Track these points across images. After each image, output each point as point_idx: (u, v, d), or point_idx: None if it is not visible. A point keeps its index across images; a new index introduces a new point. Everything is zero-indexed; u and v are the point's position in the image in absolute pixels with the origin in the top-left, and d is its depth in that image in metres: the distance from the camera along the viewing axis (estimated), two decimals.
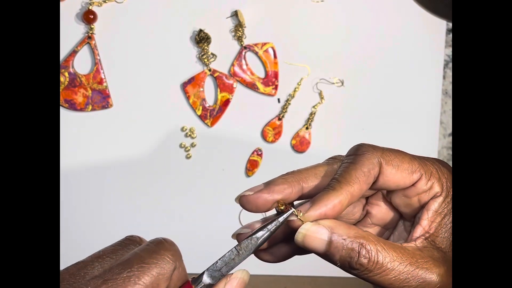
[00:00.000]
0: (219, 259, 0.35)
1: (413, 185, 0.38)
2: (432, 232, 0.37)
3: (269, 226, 0.36)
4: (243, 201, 0.37)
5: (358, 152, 0.37)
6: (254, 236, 0.36)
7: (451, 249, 0.37)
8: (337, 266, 0.36)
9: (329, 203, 0.35)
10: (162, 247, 0.32)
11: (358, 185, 0.36)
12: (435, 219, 0.37)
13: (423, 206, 0.38)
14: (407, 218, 0.40)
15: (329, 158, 0.40)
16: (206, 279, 0.35)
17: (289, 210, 0.36)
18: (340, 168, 0.37)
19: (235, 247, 0.35)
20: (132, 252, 0.32)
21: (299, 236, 0.35)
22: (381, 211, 0.41)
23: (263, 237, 0.36)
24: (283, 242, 0.39)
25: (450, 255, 0.37)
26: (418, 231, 0.37)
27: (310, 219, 0.35)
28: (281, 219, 0.36)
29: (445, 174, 0.38)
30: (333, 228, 0.35)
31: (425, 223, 0.37)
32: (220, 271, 0.35)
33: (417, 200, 0.38)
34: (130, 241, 0.34)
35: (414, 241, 0.37)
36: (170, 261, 0.32)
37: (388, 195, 0.41)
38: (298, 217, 0.36)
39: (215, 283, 0.35)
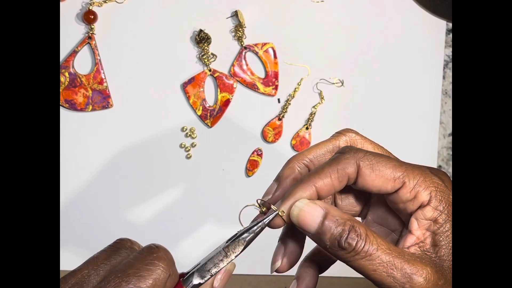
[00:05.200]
0: (208, 260, 0.36)
1: (396, 192, 0.37)
2: (426, 242, 0.37)
3: (254, 228, 0.37)
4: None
5: (341, 151, 0.38)
6: (241, 238, 0.37)
7: (447, 257, 0.36)
8: (326, 248, 0.36)
9: (298, 196, 0.37)
10: (156, 257, 0.33)
11: (329, 180, 0.37)
12: (427, 229, 0.37)
13: (411, 215, 0.38)
14: (406, 223, 0.40)
15: (335, 133, 0.42)
16: (196, 279, 0.36)
17: (270, 210, 0.38)
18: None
19: (223, 248, 0.37)
20: (127, 262, 0.33)
21: (294, 211, 0.37)
22: (380, 209, 0.41)
23: (248, 238, 0.37)
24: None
25: (444, 264, 0.36)
26: (410, 240, 0.37)
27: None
28: (266, 220, 0.38)
29: (435, 184, 0.37)
30: (328, 209, 0.36)
31: (418, 233, 0.37)
32: (210, 271, 0.36)
33: (404, 207, 0.38)
34: (121, 244, 0.35)
35: (406, 249, 0.37)
36: (165, 270, 0.32)
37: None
38: (282, 217, 0.37)
39: (204, 282, 0.36)
